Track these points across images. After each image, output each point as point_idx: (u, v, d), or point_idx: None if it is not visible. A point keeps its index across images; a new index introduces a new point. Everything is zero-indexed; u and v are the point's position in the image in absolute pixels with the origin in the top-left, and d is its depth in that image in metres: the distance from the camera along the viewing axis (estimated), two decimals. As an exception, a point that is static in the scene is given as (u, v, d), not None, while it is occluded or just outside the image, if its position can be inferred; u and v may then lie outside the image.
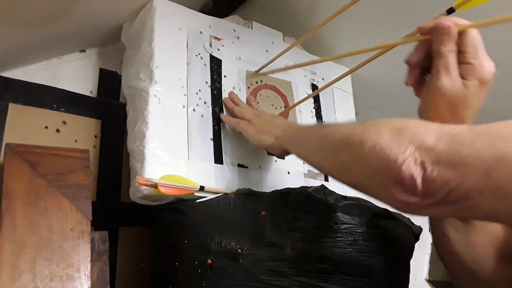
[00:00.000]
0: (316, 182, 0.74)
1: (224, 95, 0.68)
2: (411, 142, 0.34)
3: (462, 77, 0.41)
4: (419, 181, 0.33)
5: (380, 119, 0.39)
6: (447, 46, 0.41)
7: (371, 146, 0.36)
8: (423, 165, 0.32)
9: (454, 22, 0.41)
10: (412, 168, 0.33)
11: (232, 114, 0.67)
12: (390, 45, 0.51)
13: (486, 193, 0.30)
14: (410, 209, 0.35)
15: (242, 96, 0.71)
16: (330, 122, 0.49)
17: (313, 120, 0.80)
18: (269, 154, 0.70)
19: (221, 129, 0.66)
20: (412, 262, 0.63)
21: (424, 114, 0.45)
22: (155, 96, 0.60)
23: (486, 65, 0.41)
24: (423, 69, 0.46)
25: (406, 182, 0.33)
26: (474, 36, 0.41)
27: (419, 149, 0.33)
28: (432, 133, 0.34)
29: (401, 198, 0.34)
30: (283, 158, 0.71)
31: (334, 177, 0.45)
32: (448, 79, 0.41)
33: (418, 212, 0.35)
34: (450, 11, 0.47)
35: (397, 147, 0.34)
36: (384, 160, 0.34)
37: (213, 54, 0.70)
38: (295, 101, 0.77)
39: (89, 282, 0.48)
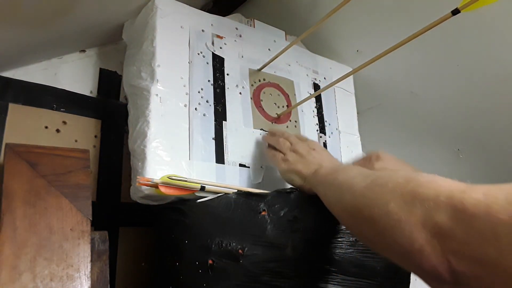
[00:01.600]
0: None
1: (227, 93, 0.68)
2: (425, 225, 0.30)
3: None
4: (445, 274, 0.29)
5: (385, 178, 0.36)
6: None
7: (384, 226, 0.33)
8: (445, 256, 0.29)
9: None
10: (433, 260, 0.29)
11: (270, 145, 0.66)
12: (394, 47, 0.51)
13: None
14: None
15: (246, 94, 0.70)
16: (347, 171, 0.48)
17: (314, 120, 0.80)
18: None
19: (223, 129, 0.65)
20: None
21: None
22: (157, 95, 0.60)
23: None
24: None
25: (432, 273, 0.30)
26: None
27: (435, 236, 0.29)
28: (444, 208, 0.29)
29: (433, 285, 0.31)
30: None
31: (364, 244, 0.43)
32: None
33: None
34: (455, 12, 0.46)
35: (410, 232, 0.30)
36: (401, 246, 0.32)
37: (215, 53, 0.69)
38: (297, 100, 0.77)
39: (89, 282, 0.47)
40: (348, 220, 0.43)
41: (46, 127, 0.65)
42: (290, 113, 0.75)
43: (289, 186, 0.61)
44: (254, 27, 0.78)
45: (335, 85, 0.87)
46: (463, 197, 0.29)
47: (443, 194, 0.30)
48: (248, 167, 0.66)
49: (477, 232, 0.27)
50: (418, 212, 0.30)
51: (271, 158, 0.64)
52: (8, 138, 0.60)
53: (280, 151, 0.63)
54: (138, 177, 0.54)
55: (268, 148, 0.66)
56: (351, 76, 0.91)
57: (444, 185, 0.31)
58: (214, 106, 0.66)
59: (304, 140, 0.65)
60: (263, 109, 0.72)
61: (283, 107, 0.75)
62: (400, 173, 0.37)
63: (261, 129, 0.70)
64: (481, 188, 0.29)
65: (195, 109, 0.63)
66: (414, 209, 0.31)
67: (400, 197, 0.33)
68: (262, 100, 0.72)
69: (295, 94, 0.78)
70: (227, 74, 0.69)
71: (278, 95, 0.75)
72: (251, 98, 0.71)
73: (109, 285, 0.52)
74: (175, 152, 0.59)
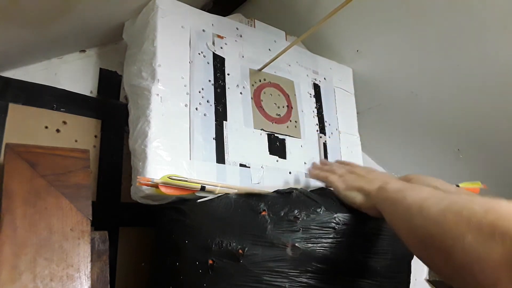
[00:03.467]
0: (318, 183, 0.74)
1: (228, 93, 0.68)
2: (508, 264, 0.27)
3: None
4: None
5: (460, 204, 0.34)
6: None
7: (461, 262, 0.31)
8: None
9: None
10: None
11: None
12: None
13: None
14: None
15: (247, 94, 0.70)
16: (418, 190, 0.44)
17: (314, 120, 0.80)
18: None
19: (224, 129, 0.65)
20: (412, 262, 0.63)
21: None
22: (158, 94, 0.60)
23: None
24: None
25: None
26: None
27: None
28: None
29: None
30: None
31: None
32: None
33: None
34: None
35: (491, 271, 0.28)
36: (480, 284, 0.29)
37: (216, 52, 0.69)
38: (297, 101, 0.77)
39: (89, 282, 0.47)
40: (418, 246, 0.39)
41: (46, 127, 0.65)
42: (290, 112, 0.76)
43: (290, 186, 0.61)
44: (254, 27, 0.78)
45: (335, 85, 0.87)
46: None
47: None
48: (249, 167, 0.66)
49: None
50: (500, 249, 0.28)
51: (323, 178, 0.62)
52: (8, 138, 0.60)
53: (335, 173, 0.61)
54: (138, 177, 0.54)
55: (315, 170, 0.64)
56: (351, 77, 0.91)
57: None
58: (215, 106, 0.66)
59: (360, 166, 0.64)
60: (263, 109, 0.72)
61: (283, 107, 0.75)
62: (477, 200, 0.33)
63: (261, 129, 0.70)
64: None
65: (196, 109, 0.63)
66: (495, 246, 0.28)
67: (478, 230, 0.30)
68: (262, 100, 0.72)
69: (295, 94, 0.78)
70: (228, 74, 0.69)
71: (278, 95, 0.75)
72: (251, 98, 0.71)
73: (109, 285, 0.52)
74: (175, 152, 0.59)
